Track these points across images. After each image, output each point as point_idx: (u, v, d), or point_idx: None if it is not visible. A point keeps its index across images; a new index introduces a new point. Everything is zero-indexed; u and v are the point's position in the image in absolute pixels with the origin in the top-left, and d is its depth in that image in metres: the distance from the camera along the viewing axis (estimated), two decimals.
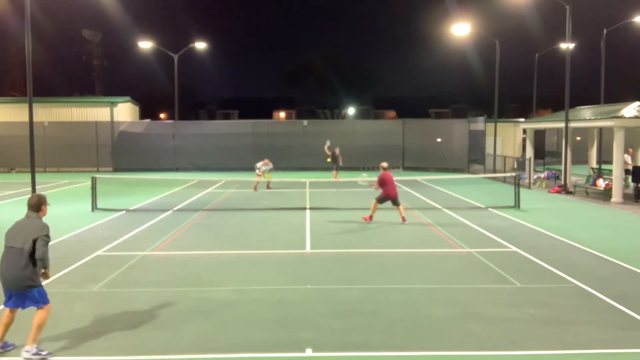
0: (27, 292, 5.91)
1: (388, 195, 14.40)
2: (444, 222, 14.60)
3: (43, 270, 5.99)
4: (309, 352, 6.20)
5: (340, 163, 25.74)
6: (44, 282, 6.32)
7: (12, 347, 6.17)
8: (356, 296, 8.21)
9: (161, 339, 6.56)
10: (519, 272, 9.46)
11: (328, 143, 26.15)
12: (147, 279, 9.25)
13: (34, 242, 5.84)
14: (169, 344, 6.42)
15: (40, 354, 5.93)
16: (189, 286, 8.76)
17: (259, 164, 22.23)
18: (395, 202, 14.51)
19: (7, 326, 6.09)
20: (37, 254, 5.80)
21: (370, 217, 14.47)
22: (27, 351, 5.88)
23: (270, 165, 22.34)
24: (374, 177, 15.61)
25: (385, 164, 14.89)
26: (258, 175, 22.17)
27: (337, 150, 25.71)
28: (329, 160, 25.85)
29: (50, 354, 6.03)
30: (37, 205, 6.15)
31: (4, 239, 6.03)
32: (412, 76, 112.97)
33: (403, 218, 14.39)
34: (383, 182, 14.40)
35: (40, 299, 6.00)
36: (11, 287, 5.91)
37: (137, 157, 33.25)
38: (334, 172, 25.54)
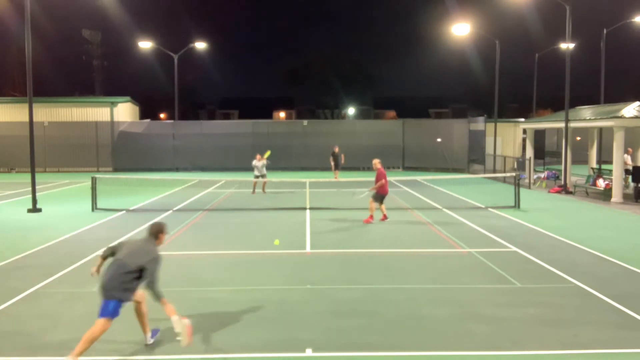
0: (107, 301, 5.85)
1: (382, 192, 14.39)
2: (444, 222, 14.60)
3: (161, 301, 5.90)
4: (309, 352, 6.20)
5: (342, 161, 25.45)
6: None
7: (157, 332, 6.54)
8: (356, 296, 8.21)
9: (161, 339, 6.56)
10: (519, 272, 9.45)
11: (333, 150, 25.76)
12: None
13: (140, 268, 5.88)
14: (169, 344, 6.42)
15: None
16: (189, 286, 8.76)
17: (254, 162, 21.04)
18: (382, 200, 14.58)
19: (143, 316, 6.30)
20: (148, 284, 5.86)
21: (371, 217, 14.44)
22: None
23: (264, 161, 20.92)
24: (364, 189, 15.38)
25: (376, 160, 14.88)
26: (256, 176, 21.00)
27: (337, 149, 25.44)
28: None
29: None
30: (156, 233, 6.26)
31: (120, 251, 6.15)
32: (412, 76, 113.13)
33: (384, 216, 14.61)
34: (378, 179, 14.36)
35: (109, 312, 5.83)
36: (101, 292, 5.90)
37: (137, 157, 33.25)
38: (336, 172, 25.25)
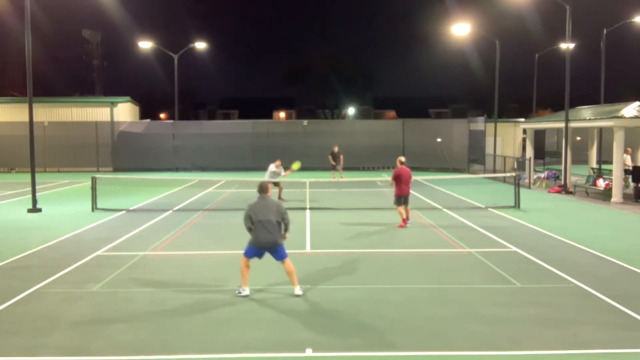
0: (279, 248, 8.17)
1: (398, 192, 13.65)
2: (444, 222, 14.60)
3: (285, 233, 8.39)
4: (309, 352, 6.20)
5: (341, 162, 24.94)
6: None
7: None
8: (356, 296, 8.21)
9: (161, 339, 6.56)
10: (519, 272, 9.46)
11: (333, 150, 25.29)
12: (147, 279, 9.25)
13: (282, 217, 8.22)
14: (169, 344, 6.42)
15: (301, 290, 8.30)
16: (189, 286, 8.77)
17: (272, 168, 18.63)
18: (406, 201, 13.83)
19: (291, 274, 8.28)
20: (286, 223, 8.31)
21: (404, 220, 13.78)
22: (298, 290, 8.26)
23: (282, 169, 18.84)
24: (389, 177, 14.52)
25: (402, 159, 14.02)
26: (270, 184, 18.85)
27: (336, 149, 25.15)
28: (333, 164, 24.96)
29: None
30: (265, 189, 8.48)
31: (255, 215, 8.16)
32: (412, 76, 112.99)
33: (406, 219, 13.85)
34: (397, 179, 13.62)
35: (284, 253, 8.23)
36: (269, 246, 8.13)
37: (137, 157, 33.26)
38: (339, 172, 24.83)
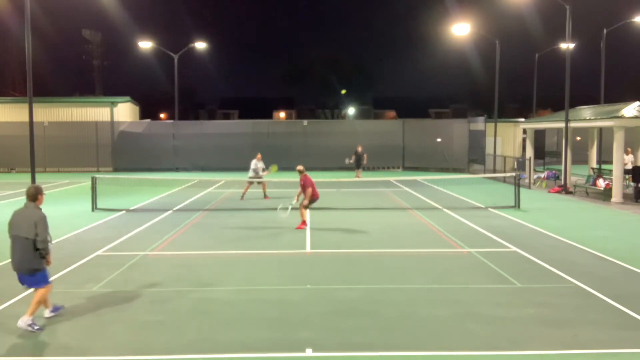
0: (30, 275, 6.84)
1: (314, 197, 13.72)
2: (444, 222, 14.60)
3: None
4: (309, 352, 6.20)
5: (364, 161, 26.47)
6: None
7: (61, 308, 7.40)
8: (356, 296, 8.21)
9: (161, 339, 6.56)
10: (519, 272, 9.46)
11: (347, 161, 26.60)
12: (147, 279, 9.25)
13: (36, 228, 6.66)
14: (169, 344, 6.42)
15: (33, 327, 6.74)
16: (189, 286, 8.76)
17: (254, 164, 19.44)
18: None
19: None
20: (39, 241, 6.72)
21: (304, 222, 13.68)
22: (23, 321, 6.76)
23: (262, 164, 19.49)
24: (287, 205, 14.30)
25: (302, 167, 14.17)
26: (249, 182, 19.42)
27: (360, 148, 26.54)
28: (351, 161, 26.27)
29: (40, 329, 6.77)
30: (34, 195, 7.10)
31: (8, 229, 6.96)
32: (412, 76, 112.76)
33: (303, 222, 13.64)
34: (305, 186, 13.66)
35: (43, 281, 6.92)
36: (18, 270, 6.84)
37: (137, 157, 33.26)
38: (358, 172, 26.35)
